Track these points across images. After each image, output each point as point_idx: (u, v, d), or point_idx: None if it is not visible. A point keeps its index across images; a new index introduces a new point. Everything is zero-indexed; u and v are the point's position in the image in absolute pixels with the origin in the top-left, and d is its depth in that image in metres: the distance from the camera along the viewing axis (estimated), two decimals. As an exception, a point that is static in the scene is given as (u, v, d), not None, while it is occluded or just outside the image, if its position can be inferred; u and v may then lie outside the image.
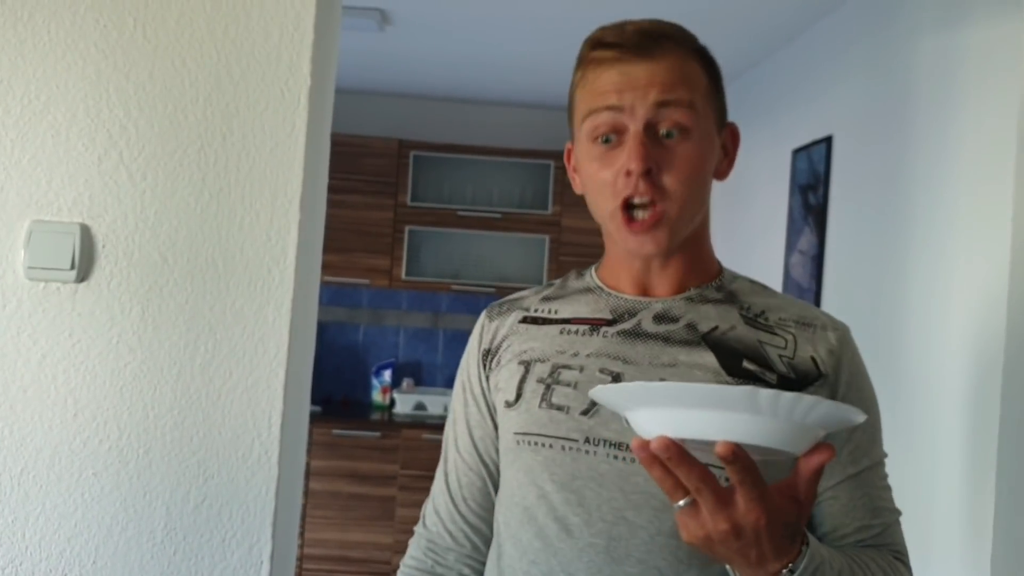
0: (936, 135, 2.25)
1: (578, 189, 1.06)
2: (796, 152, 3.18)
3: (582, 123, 1.01)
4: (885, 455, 1.03)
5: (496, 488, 1.10)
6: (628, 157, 0.96)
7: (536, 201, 4.69)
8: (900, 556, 1.00)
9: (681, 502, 0.77)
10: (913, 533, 1.07)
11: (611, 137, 0.98)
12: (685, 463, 0.74)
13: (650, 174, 0.96)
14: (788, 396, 0.70)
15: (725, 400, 0.71)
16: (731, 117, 1.09)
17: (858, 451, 0.99)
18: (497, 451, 1.10)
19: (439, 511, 1.13)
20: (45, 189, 1.39)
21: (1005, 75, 1.95)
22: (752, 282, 1.09)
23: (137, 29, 1.41)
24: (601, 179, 0.99)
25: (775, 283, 3.22)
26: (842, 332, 1.03)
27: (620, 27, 0.99)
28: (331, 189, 4.89)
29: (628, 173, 0.96)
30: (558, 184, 4.59)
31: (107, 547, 1.38)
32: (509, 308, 1.13)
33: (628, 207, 0.98)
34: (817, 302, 2.87)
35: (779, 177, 3.34)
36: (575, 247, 4.54)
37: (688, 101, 0.97)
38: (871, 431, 1.01)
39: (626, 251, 1.02)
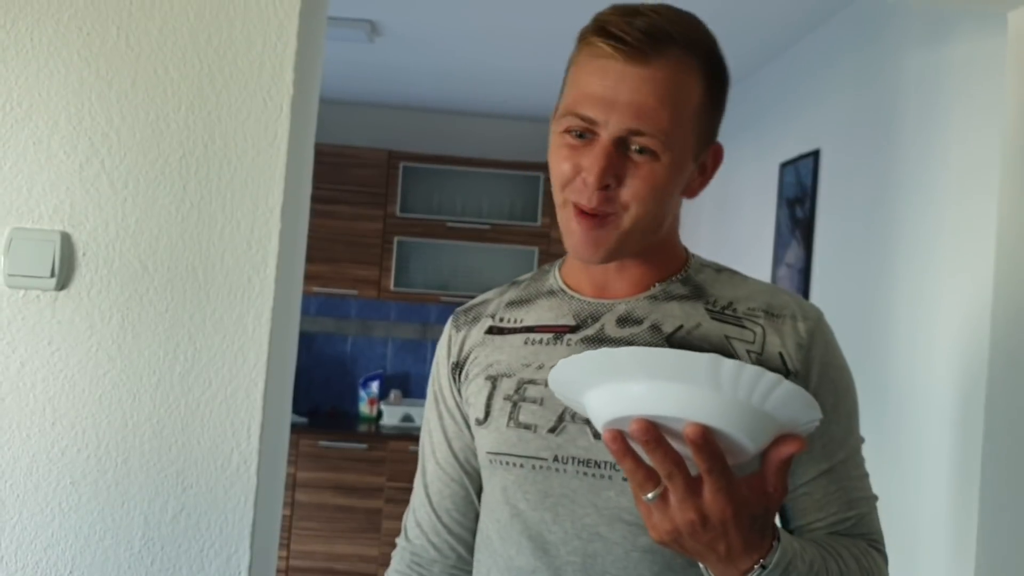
0: (922, 149, 2.27)
1: (549, 164, 1.03)
2: (783, 166, 3.19)
3: (561, 116, 0.97)
4: (862, 440, 1.01)
5: (479, 496, 1.09)
6: (589, 166, 0.93)
7: (525, 213, 4.69)
8: (875, 543, 0.99)
9: (650, 494, 0.77)
10: (899, 541, 1.07)
11: (585, 135, 0.95)
12: (662, 447, 0.74)
13: (608, 189, 0.93)
14: (751, 369, 0.71)
15: (689, 366, 0.71)
16: (719, 130, 1.05)
17: (832, 444, 0.97)
18: (477, 459, 1.09)
19: (421, 524, 1.12)
20: (26, 196, 1.39)
21: (989, 90, 1.97)
22: (719, 270, 1.05)
23: (120, 37, 1.41)
24: (563, 171, 0.96)
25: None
26: (813, 321, 0.99)
27: (630, 18, 0.93)
28: (320, 199, 4.89)
29: (586, 182, 0.93)
30: (547, 196, 4.60)
31: (84, 557, 1.37)
32: (475, 317, 1.11)
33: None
34: (803, 315, 2.87)
35: (766, 190, 3.35)
36: (546, 263, 4.55)
37: (665, 134, 0.92)
38: (846, 421, 0.99)
39: (567, 247, 0.98)
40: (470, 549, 1.09)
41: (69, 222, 1.39)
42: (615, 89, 0.92)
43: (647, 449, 0.75)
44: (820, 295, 2.83)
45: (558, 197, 0.98)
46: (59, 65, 1.40)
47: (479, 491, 1.09)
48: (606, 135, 0.93)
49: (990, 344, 1.78)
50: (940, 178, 2.17)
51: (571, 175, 0.95)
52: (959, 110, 2.11)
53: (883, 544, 1.01)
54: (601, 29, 0.94)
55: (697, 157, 0.99)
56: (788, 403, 0.73)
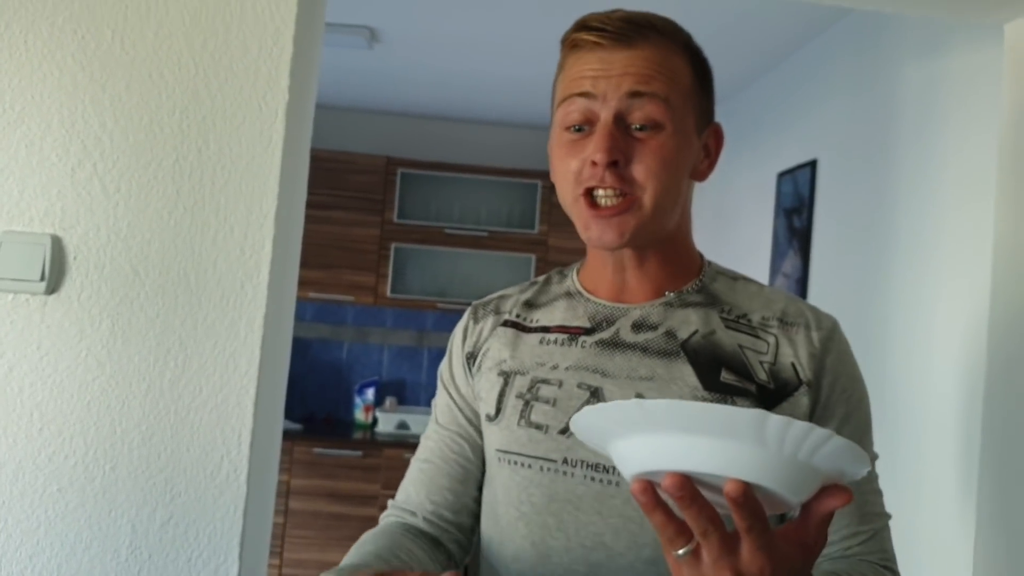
0: (919, 159, 2.26)
1: (553, 178, 1.03)
2: (781, 175, 3.19)
3: (557, 109, 0.98)
4: (876, 456, 1.00)
5: (474, 489, 1.08)
6: (594, 147, 0.93)
7: (523, 220, 4.69)
8: (888, 563, 0.99)
9: (681, 551, 0.70)
10: (899, 552, 1.06)
11: (583, 127, 0.95)
12: (698, 503, 0.67)
13: (617, 166, 0.93)
14: (799, 425, 0.64)
15: (730, 423, 0.65)
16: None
17: None
18: (481, 454, 1.08)
19: (408, 502, 1.08)
20: (17, 199, 1.38)
21: (986, 101, 1.96)
22: (735, 278, 1.05)
23: (115, 41, 1.40)
24: (567, 168, 0.96)
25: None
26: (827, 331, 0.99)
27: (608, 13, 0.96)
28: (317, 205, 4.86)
29: (594, 164, 0.93)
30: (545, 203, 4.59)
31: (70, 565, 1.36)
32: (494, 310, 1.11)
33: (591, 194, 0.95)
34: (800, 326, 2.86)
35: (764, 200, 3.35)
36: (561, 267, 4.54)
37: (664, 95, 0.93)
38: (859, 434, 0.98)
39: (587, 240, 0.98)
40: (461, 531, 1.07)
41: (60, 225, 1.38)
42: (607, 69, 0.94)
43: (681, 505, 0.68)
44: (817, 305, 2.82)
45: (568, 194, 0.97)
46: (53, 68, 1.39)
47: (473, 486, 1.07)
48: (605, 113, 0.94)
49: (987, 354, 1.77)
50: (937, 188, 2.16)
51: (578, 167, 0.95)
52: (956, 120, 2.10)
53: (896, 566, 1.00)
54: (582, 26, 0.97)
55: (700, 134, 1.00)
56: (837, 457, 0.67)
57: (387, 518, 1.11)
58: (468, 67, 3.72)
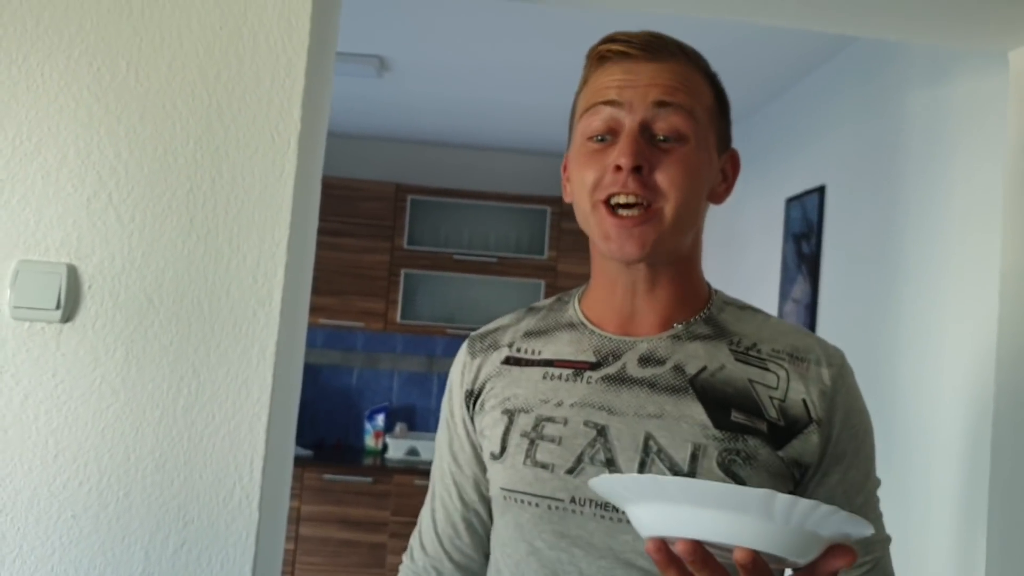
0: (926, 186, 2.27)
1: (567, 197, 1.02)
2: (789, 201, 3.20)
3: (580, 119, 0.98)
4: (878, 482, 1.01)
5: (485, 526, 1.08)
6: (619, 152, 0.92)
7: (532, 246, 4.70)
8: None
9: None
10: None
11: (606, 136, 0.95)
12: (708, 567, 0.72)
13: (640, 172, 0.92)
14: (804, 503, 0.69)
15: (740, 501, 0.70)
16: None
17: (852, 489, 0.97)
18: (487, 489, 1.07)
19: (425, 547, 1.12)
20: (33, 229, 1.40)
21: (992, 127, 1.97)
22: (743, 308, 1.04)
23: (130, 73, 1.42)
24: (583, 178, 0.95)
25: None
26: (837, 367, 0.98)
27: (632, 32, 0.98)
28: (328, 232, 4.89)
29: (617, 168, 0.92)
30: (554, 229, 4.61)
31: (83, 592, 1.36)
32: (492, 344, 1.09)
33: (609, 203, 0.94)
34: (810, 350, 2.86)
35: (773, 226, 3.36)
36: (561, 293, 4.55)
37: (689, 108, 0.94)
38: (865, 465, 0.98)
39: (607, 251, 0.96)
40: (476, 574, 1.09)
41: (76, 255, 1.40)
42: (633, 80, 0.95)
43: (693, 568, 0.73)
44: (826, 330, 2.82)
45: (586, 203, 0.96)
46: (69, 100, 1.41)
47: (485, 519, 1.08)
48: (631, 120, 0.93)
49: (995, 377, 1.77)
50: (944, 213, 2.17)
51: (599, 175, 0.94)
52: (962, 147, 2.11)
53: None
54: (610, 39, 0.98)
55: (719, 155, 1.00)
56: (841, 527, 0.72)
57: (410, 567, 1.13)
58: (476, 95, 3.76)
